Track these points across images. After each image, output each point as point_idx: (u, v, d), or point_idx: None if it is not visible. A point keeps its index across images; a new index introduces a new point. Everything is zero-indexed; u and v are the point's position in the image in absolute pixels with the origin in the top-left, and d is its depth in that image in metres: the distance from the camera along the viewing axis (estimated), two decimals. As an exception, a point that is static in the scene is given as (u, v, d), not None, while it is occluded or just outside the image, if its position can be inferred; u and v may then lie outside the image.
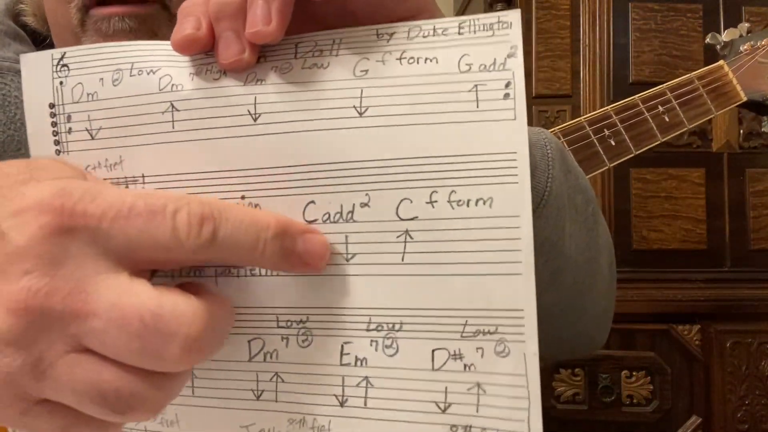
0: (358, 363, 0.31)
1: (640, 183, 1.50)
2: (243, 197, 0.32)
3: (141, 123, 0.34)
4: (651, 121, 0.58)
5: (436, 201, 0.30)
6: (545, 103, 1.50)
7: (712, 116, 0.61)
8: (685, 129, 0.60)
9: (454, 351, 0.30)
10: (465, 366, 0.30)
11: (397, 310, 0.31)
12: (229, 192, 0.33)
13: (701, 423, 1.44)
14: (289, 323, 0.32)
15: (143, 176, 0.34)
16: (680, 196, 1.49)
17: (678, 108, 0.60)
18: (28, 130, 0.36)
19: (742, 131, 1.50)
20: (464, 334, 0.30)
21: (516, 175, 0.30)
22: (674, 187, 1.50)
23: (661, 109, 0.58)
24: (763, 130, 0.68)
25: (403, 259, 0.31)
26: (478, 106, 0.31)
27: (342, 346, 0.32)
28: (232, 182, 0.33)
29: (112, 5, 0.56)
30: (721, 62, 0.63)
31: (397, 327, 0.31)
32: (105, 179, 0.34)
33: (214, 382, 0.33)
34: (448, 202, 0.30)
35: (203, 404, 0.33)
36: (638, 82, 1.50)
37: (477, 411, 0.30)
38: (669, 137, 0.59)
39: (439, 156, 0.31)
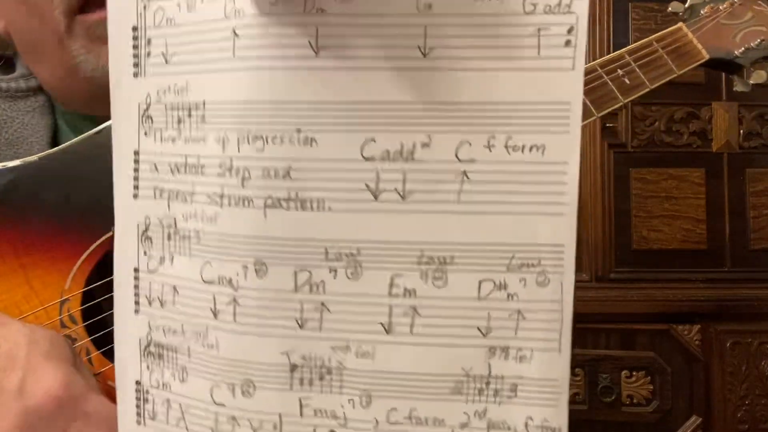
0: (407, 294, 0.33)
1: (640, 183, 1.50)
2: (299, 130, 0.33)
3: (206, 50, 0.34)
4: (611, 84, 0.58)
5: (494, 145, 0.32)
6: (545, 102, 1.50)
7: (674, 76, 0.61)
8: (648, 89, 0.59)
9: (500, 282, 0.33)
10: (508, 295, 0.33)
11: (449, 245, 0.33)
12: (285, 123, 0.33)
13: (701, 423, 1.44)
14: (338, 255, 0.33)
15: (204, 103, 0.35)
16: (680, 196, 1.49)
17: (638, 70, 0.60)
18: (110, 52, 0.37)
19: (742, 131, 1.50)
20: (510, 266, 0.33)
21: (568, 124, 0.32)
22: (674, 187, 1.50)
23: (620, 72, 0.58)
24: (735, 88, 0.67)
25: (459, 198, 0.33)
26: (539, 53, 0.32)
27: (392, 278, 0.33)
28: (289, 113, 0.33)
29: (97, 11, 0.57)
30: (680, 24, 0.63)
31: (447, 260, 0.33)
32: (173, 104, 0.36)
33: (256, 309, 0.34)
34: (505, 147, 0.32)
35: (243, 331, 0.34)
36: (638, 82, 1.50)
37: (515, 334, 0.33)
38: (631, 98, 0.59)
39: (499, 102, 0.32)
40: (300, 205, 0.33)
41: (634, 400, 1.45)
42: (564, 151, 0.32)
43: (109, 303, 0.55)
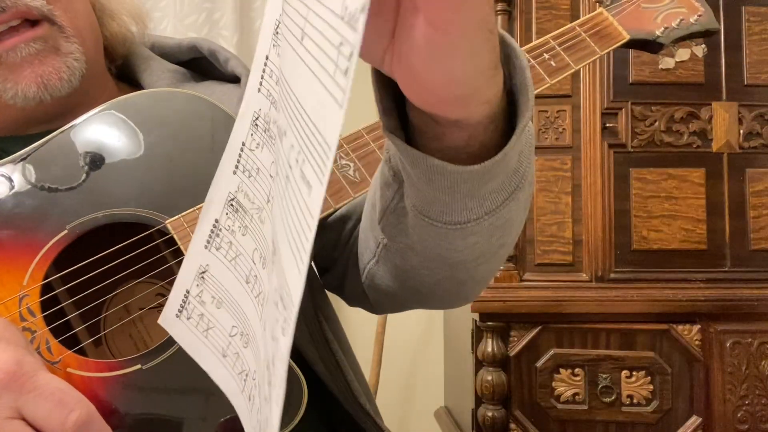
0: None
1: (640, 183, 1.50)
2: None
3: None
4: (538, 66, 0.59)
5: None
6: (545, 103, 1.51)
7: (598, 56, 0.63)
8: (573, 70, 0.61)
9: None
10: None
11: None
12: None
13: (701, 423, 1.44)
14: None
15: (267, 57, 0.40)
16: (680, 196, 1.50)
17: (563, 53, 0.62)
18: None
19: (742, 131, 1.50)
20: None
21: None
22: (674, 187, 1.50)
23: (546, 56, 0.60)
24: (661, 67, 0.69)
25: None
26: None
27: None
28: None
29: (7, 39, 0.58)
30: (600, 9, 0.65)
31: None
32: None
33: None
34: None
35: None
36: (638, 82, 1.50)
37: None
38: (557, 79, 0.61)
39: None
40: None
41: (634, 400, 1.45)
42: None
43: (67, 295, 0.57)
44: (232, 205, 0.44)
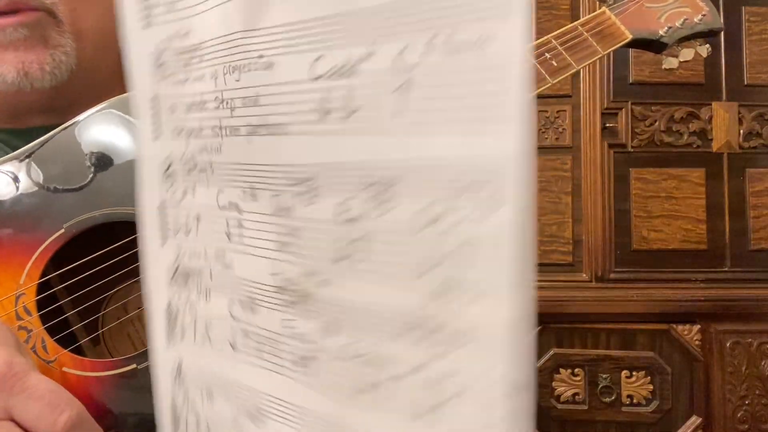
0: (359, 219, 0.32)
1: (640, 183, 1.50)
2: (261, 56, 0.33)
3: None
4: (539, 66, 0.59)
5: (435, 45, 0.28)
6: (545, 103, 1.50)
7: (600, 56, 0.63)
8: (575, 70, 0.60)
9: (446, 207, 0.29)
10: (456, 222, 0.28)
11: (393, 163, 0.31)
12: (251, 51, 0.34)
13: (701, 423, 1.43)
14: (298, 180, 0.34)
15: (201, 43, 0.36)
16: (680, 196, 1.49)
17: (564, 53, 0.61)
18: (121, 13, 0.40)
19: (742, 131, 1.50)
20: (457, 188, 0.29)
21: (511, 10, 0.26)
22: (674, 187, 1.50)
23: (547, 55, 0.60)
24: (664, 66, 0.69)
25: (399, 111, 0.30)
26: None
27: (344, 202, 0.33)
28: (254, 41, 0.34)
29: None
30: (602, 8, 0.65)
31: (394, 181, 0.31)
32: (180, 48, 0.37)
33: (253, 232, 0.36)
34: (446, 43, 0.27)
35: (246, 252, 0.37)
36: (638, 82, 1.50)
37: (467, 265, 0.28)
38: (559, 79, 0.60)
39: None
40: (268, 131, 0.34)
41: (634, 400, 1.45)
42: (507, 44, 0.26)
43: (64, 293, 0.57)
44: (177, 279, 0.40)
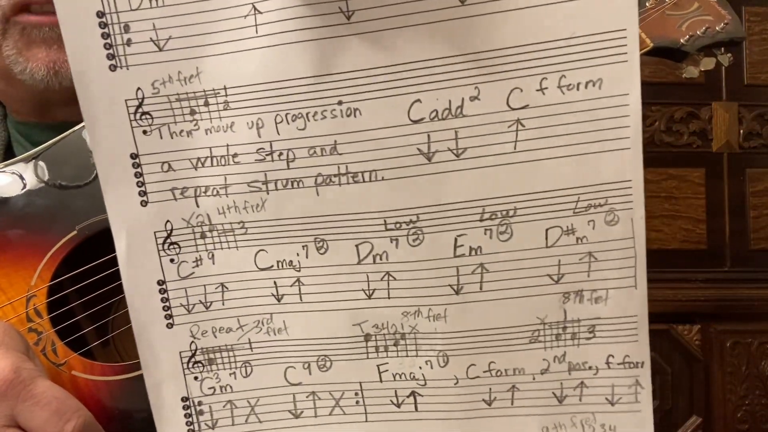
0: (473, 252, 0.33)
1: (640, 183, 1.50)
2: (340, 102, 0.32)
3: (220, 30, 0.32)
4: None
5: (546, 87, 0.31)
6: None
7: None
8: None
9: (567, 226, 0.32)
10: (577, 239, 0.33)
11: (510, 197, 0.32)
12: (324, 98, 0.32)
13: (701, 423, 1.44)
14: (398, 225, 0.33)
15: (225, 88, 0.32)
16: (680, 196, 1.49)
17: None
18: (67, 48, 0.33)
19: (742, 131, 1.50)
20: (576, 210, 0.32)
21: (626, 53, 0.31)
22: (674, 187, 1.50)
23: None
24: (684, 76, 0.69)
25: (515, 148, 0.32)
26: None
27: (455, 239, 0.33)
28: (327, 87, 0.32)
29: (36, 14, 0.57)
30: None
31: (511, 213, 0.33)
32: (180, 94, 0.33)
33: (322, 287, 0.34)
34: (558, 87, 0.31)
35: (312, 309, 0.34)
36: (638, 82, 1.50)
37: (588, 276, 0.33)
38: None
39: (545, 41, 0.31)
40: (352, 179, 0.33)
41: (634, 400, 1.45)
42: (624, 82, 0.31)
43: (75, 296, 0.56)
44: (198, 364, 0.36)
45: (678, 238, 1.49)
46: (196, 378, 0.36)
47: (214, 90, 0.33)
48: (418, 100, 0.31)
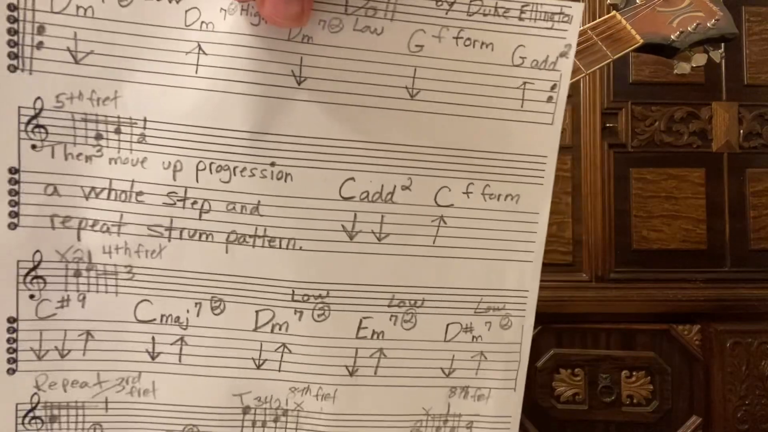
0: (375, 336, 0.33)
1: (640, 183, 1.50)
2: (273, 164, 0.31)
3: (154, 59, 0.29)
4: None
5: (471, 192, 0.33)
6: (546, 102, 1.50)
7: (610, 60, 0.63)
8: (584, 74, 0.60)
9: (466, 324, 0.34)
10: (473, 337, 0.34)
11: (421, 288, 0.33)
12: (257, 156, 0.31)
13: (701, 423, 1.44)
14: (305, 297, 0.33)
15: (145, 120, 0.29)
16: (680, 196, 1.49)
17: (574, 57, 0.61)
18: None
19: (742, 131, 1.50)
20: (477, 310, 0.34)
21: (543, 177, 0.33)
22: (674, 187, 1.50)
23: None
24: (675, 72, 0.69)
25: (434, 242, 0.33)
26: (522, 106, 0.32)
27: (360, 320, 0.33)
28: (263, 145, 0.30)
29: None
30: (613, 12, 0.64)
31: (419, 303, 0.33)
32: (88, 114, 0.29)
33: (208, 350, 0.32)
34: (482, 194, 0.33)
35: (190, 372, 0.32)
36: (638, 82, 1.50)
37: (476, 374, 0.34)
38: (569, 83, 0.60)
39: (481, 150, 0.32)
40: (268, 242, 0.31)
41: (634, 400, 1.45)
42: (537, 202, 0.33)
43: None
44: (36, 421, 0.31)
45: (678, 238, 1.49)
46: None
47: (130, 119, 0.30)
48: (352, 179, 0.32)
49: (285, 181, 0.31)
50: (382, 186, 0.32)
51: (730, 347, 1.44)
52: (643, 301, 1.45)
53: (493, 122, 0.32)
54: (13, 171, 0.29)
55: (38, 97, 0.29)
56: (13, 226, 0.30)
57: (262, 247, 0.31)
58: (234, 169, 0.30)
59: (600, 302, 1.45)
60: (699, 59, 0.65)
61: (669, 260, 1.49)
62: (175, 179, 0.30)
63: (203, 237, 0.31)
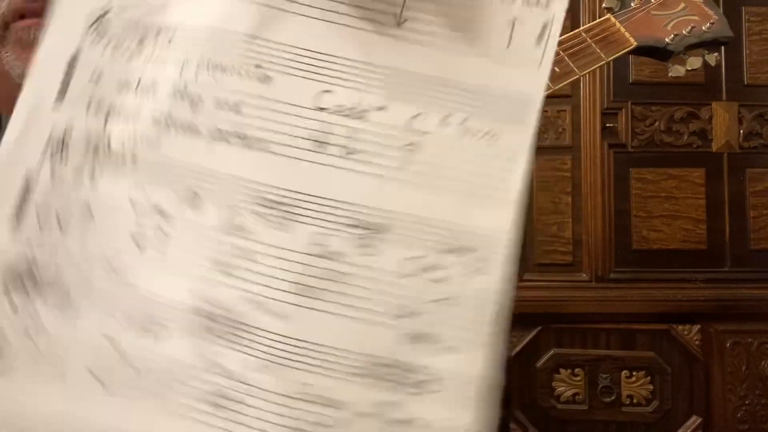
0: (331, 256, 0.31)
1: (640, 183, 1.50)
2: (258, 66, 0.32)
3: None
4: None
5: (449, 123, 0.32)
6: (546, 103, 1.49)
7: (603, 63, 0.63)
8: (577, 76, 0.61)
9: (432, 262, 0.31)
10: (440, 278, 0.31)
11: (385, 212, 0.31)
12: (247, 57, 0.32)
13: (701, 423, 1.44)
14: (268, 201, 0.32)
15: (176, 27, 0.33)
16: (680, 196, 1.50)
17: (567, 59, 0.61)
18: None
19: (742, 131, 1.50)
20: (445, 248, 0.31)
21: (524, 119, 0.32)
22: (674, 187, 1.50)
23: None
24: (670, 74, 0.69)
25: (402, 166, 0.32)
26: (508, 46, 0.32)
27: (316, 236, 0.32)
28: (253, 48, 0.32)
29: (28, 19, 0.59)
30: (608, 15, 0.65)
31: (381, 229, 0.31)
32: (138, 20, 0.33)
33: (178, 240, 0.33)
34: (460, 125, 0.32)
35: (161, 260, 0.32)
36: (638, 82, 1.50)
37: (442, 320, 0.31)
38: (560, 85, 0.60)
39: (464, 83, 0.32)
40: (244, 143, 0.32)
41: (634, 400, 1.45)
42: (516, 144, 0.32)
43: None
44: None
45: (678, 238, 1.49)
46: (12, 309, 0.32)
47: (168, 26, 0.33)
48: (329, 91, 0.32)
49: (266, 84, 0.32)
50: (359, 103, 0.32)
51: (730, 347, 1.44)
52: (643, 301, 1.45)
53: (478, 58, 0.32)
54: (74, 58, 0.34)
55: (107, 3, 0.34)
56: (58, 101, 0.33)
57: (239, 146, 0.32)
58: (226, 67, 0.32)
59: (600, 302, 1.46)
60: (694, 62, 0.66)
61: (669, 260, 1.49)
62: (180, 75, 0.32)
63: (190, 131, 0.32)
